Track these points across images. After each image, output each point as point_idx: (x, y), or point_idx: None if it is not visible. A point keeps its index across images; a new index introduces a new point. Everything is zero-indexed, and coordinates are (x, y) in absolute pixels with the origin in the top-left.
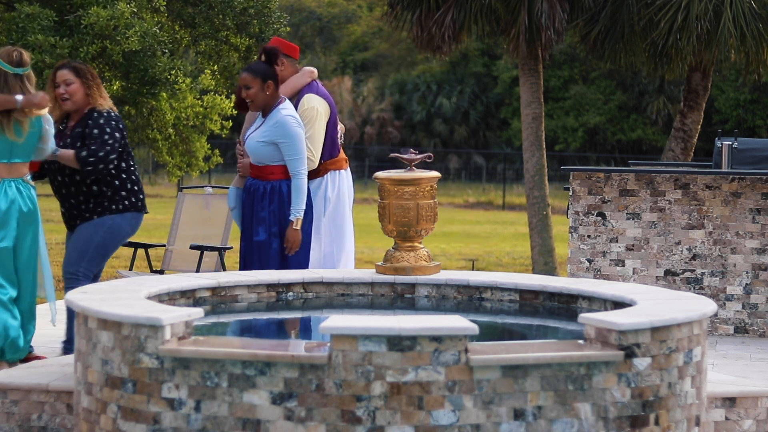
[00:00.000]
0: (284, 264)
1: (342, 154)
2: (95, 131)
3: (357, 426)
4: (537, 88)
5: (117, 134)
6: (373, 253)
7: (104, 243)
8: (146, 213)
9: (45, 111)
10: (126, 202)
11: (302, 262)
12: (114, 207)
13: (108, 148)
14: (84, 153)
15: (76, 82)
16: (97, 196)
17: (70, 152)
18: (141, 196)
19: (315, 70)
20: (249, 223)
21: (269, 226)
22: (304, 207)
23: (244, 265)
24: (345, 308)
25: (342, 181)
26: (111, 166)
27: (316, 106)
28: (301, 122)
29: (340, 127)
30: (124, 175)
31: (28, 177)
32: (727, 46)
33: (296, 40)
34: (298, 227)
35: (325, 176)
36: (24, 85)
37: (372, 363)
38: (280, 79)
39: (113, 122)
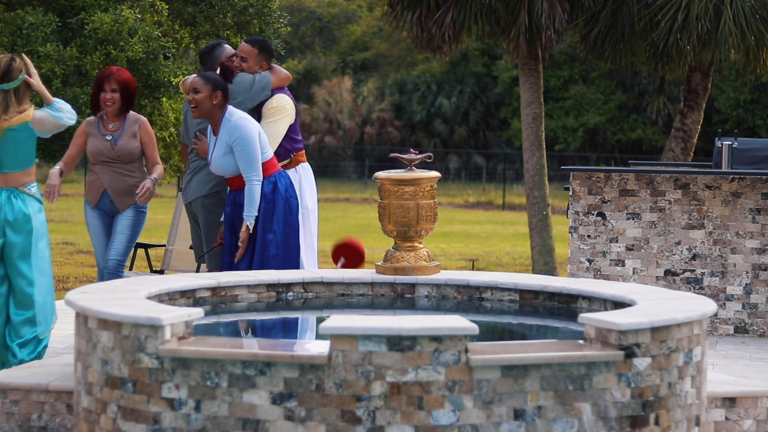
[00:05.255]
0: (263, 261)
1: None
2: None
3: (357, 426)
4: (537, 88)
5: None
6: (373, 253)
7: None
8: None
9: (31, 114)
10: None
11: (283, 262)
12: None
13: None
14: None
15: None
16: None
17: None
18: None
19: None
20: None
21: (263, 222)
22: (256, 212)
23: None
24: (345, 308)
25: (306, 172)
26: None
27: (286, 105)
28: (254, 121)
29: None
30: None
31: (30, 187)
32: (727, 45)
33: (296, 40)
34: (249, 226)
35: (298, 168)
36: (9, 100)
37: (372, 363)
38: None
39: None
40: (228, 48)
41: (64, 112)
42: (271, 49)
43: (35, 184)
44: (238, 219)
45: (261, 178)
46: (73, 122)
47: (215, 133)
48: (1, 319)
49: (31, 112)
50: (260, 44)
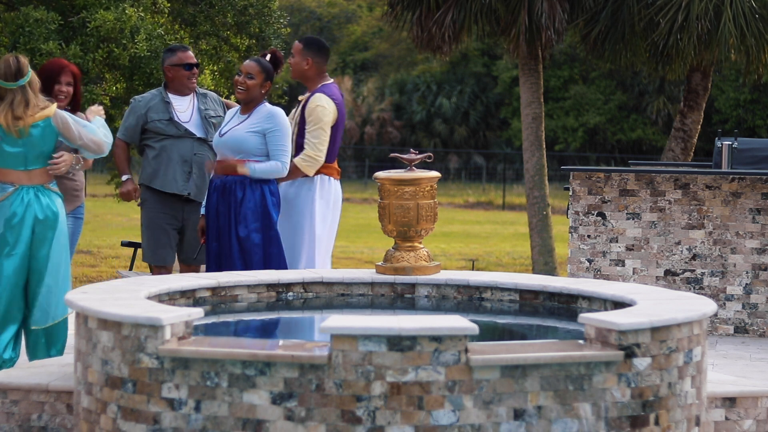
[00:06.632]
0: (266, 258)
1: (335, 164)
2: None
3: (357, 426)
4: (537, 88)
5: None
6: (373, 253)
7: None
8: None
9: (53, 110)
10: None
11: (281, 260)
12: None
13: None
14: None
15: None
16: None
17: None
18: None
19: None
20: (226, 220)
21: (250, 222)
22: (262, 176)
23: (220, 264)
24: (345, 308)
25: (332, 188)
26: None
27: (326, 105)
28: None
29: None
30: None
31: (53, 184)
32: (728, 46)
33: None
34: (243, 171)
35: (315, 178)
36: (27, 95)
37: (372, 363)
38: (305, 76)
39: None
40: (167, 55)
41: (97, 127)
42: (319, 49)
43: (55, 181)
44: (223, 206)
45: (288, 166)
46: (109, 140)
47: (244, 112)
48: (20, 315)
49: (53, 109)
50: (306, 41)
